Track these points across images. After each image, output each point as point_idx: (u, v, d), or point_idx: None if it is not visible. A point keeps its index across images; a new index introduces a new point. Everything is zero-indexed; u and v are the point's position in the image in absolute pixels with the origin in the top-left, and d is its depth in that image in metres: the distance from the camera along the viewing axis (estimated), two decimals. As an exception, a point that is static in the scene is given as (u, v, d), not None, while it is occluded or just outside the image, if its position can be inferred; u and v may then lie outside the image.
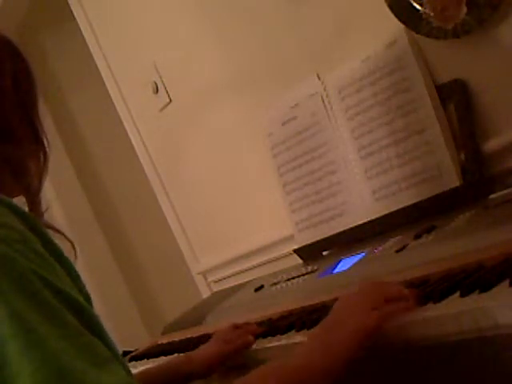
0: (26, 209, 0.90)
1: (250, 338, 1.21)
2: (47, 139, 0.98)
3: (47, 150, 0.97)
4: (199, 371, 1.26)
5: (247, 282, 1.74)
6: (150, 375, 1.31)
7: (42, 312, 0.70)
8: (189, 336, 1.57)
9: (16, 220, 0.76)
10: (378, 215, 1.44)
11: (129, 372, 0.80)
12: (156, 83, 2.20)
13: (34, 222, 0.79)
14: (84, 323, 0.74)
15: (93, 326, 0.76)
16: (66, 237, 0.92)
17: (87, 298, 0.83)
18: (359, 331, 0.88)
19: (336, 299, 1.16)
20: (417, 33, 1.36)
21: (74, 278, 0.81)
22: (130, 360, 1.66)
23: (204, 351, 1.28)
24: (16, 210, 0.78)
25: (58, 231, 0.90)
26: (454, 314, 0.78)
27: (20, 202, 0.91)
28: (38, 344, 0.68)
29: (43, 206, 0.94)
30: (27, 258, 0.72)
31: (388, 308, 0.90)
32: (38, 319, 0.69)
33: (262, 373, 0.86)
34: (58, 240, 0.86)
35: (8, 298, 0.69)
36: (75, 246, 0.95)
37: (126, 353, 1.75)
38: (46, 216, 0.95)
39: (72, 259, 0.83)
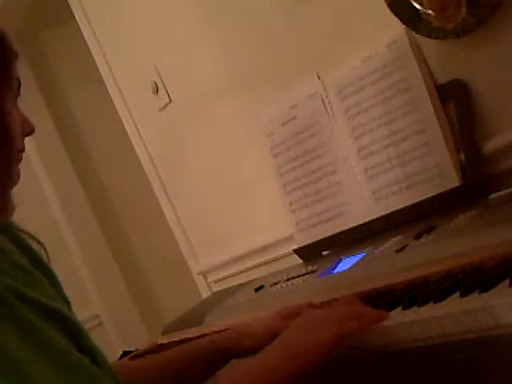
0: None
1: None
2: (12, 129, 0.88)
3: (14, 141, 0.88)
4: (249, 352, 1.13)
5: (247, 282, 1.74)
6: (187, 354, 1.19)
7: (20, 333, 0.67)
8: (189, 336, 1.57)
9: None
10: (378, 215, 1.44)
11: (115, 379, 0.78)
12: (156, 83, 2.20)
13: (15, 233, 0.76)
14: (68, 335, 0.72)
15: (77, 337, 0.74)
16: (38, 241, 0.86)
17: (68, 305, 0.80)
18: (314, 345, 0.89)
19: (335, 299, 1.16)
20: (417, 33, 1.36)
21: (57, 287, 0.78)
22: (130, 360, 1.66)
23: (259, 329, 1.14)
24: None
25: (26, 233, 0.85)
26: (454, 314, 0.78)
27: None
28: (17, 369, 0.66)
29: (14, 206, 0.88)
30: (3, 272, 0.69)
31: (350, 323, 0.91)
32: (16, 342, 0.67)
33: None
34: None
35: None
36: (47, 249, 0.88)
37: (126, 353, 1.75)
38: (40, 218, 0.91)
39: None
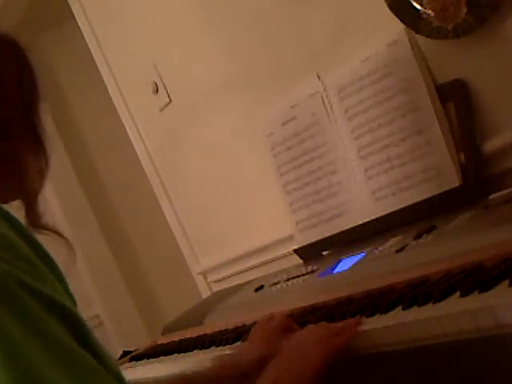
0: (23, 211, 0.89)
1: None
2: (48, 141, 0.96)
3: (48, 151, 0.96)
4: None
5: (247, 282, 1.74)
6: None
7: (24, 323, 0.68)
8: (189, 336, 1.57)
9: (5, 225, 0.75)
10: (378, 215, 1.44)
11: (118, 376, 0.79)
12: (156, 83, 2.20)
13: (23, 227, 0.78)
14: (71, 329, 0.73)
15: (80, 332, 0.75)
16: (63, 237, 0.91)
17: (73, 300, 0.81)
18: (307, 371, 0.92)
19: (336, 299, 1.17)
20: (417, 33, 1.36)
21: (61, 280, 0.80)
22: (130, 360, 1.66)
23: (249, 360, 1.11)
24: (5, 216, 0.77)
25: (55, 232, 0.90)
26: (454, 314, 0.78)
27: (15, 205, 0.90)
28: (19, 358, 0.67)
29: (42, 208, 0.93)
30: (12, 265, 0.71)
31: (333, 341, 0.94)
32: (20, 331, 0.68)
33: None
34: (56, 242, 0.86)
35: None
36: (74, 247, 0.94)
37: (126, 353, 1.75)
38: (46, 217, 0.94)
39: (71, 261, 0.84)
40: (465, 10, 1.26)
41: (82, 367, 0.70)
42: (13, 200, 0.91)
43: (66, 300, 0.76)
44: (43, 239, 0.84)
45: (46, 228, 0.90)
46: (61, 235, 0.91)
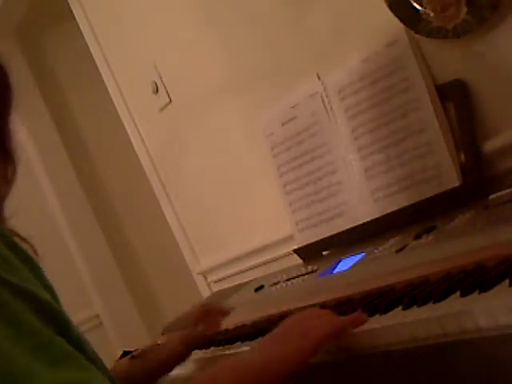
0: None
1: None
2: (16, 150, 0.97)
3: (15, 159, 0.96)
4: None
5: (247, 282, 1.74)
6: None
7: None
8: (189, 336, 1.57)
9: None
10: (377, 215, 1.44)
11: (103, 367, 0.81)
12: (156, 83, 2.20)
13: None
14: (47, 319, 0.74)
15: (57, 321, 0.76)
16: (28, 242, 0.93)
17: (55, 298, 0.83)
18: (298, 353, 0.91)
19: (336, 299, 1.16)
20: (417, 33, 1.36)
21: (40, 276, 0.81)
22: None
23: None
24: None
25: (21, 238, 0.92)
26: (454, 314, 0.78)
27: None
28: None
29: (7, 213, 0.94)
30: None
31: (336, 321, 0.95)
32: None
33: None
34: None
35: None
36: (37, 251, 0.94)
37: (125, 353, 1.75)
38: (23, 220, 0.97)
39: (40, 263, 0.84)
40: (465, 9, 1.26)
41: (53, 351, 0.72)
42: None
43: (40, 291, 0.77)
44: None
45: (13, 234, 0.91)
46: (23, 239, 0.92)
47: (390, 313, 0.93)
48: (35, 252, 0.91)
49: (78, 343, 0.76)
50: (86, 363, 0.73)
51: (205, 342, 1.33)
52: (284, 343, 0.93)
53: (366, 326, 0.92)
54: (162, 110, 2.23)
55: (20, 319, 0.72)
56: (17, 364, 0.69)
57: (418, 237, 1.19)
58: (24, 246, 0.85)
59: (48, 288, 0.81)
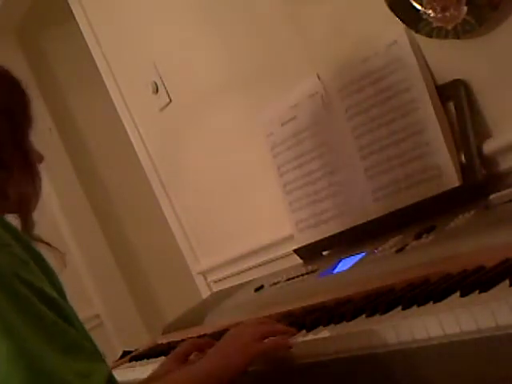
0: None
1: None
2: (38, 162, 1.10)
3: (39, 174, 1.09)
4: None
5: (247, 282, 1.74)
6: None
7: (17, 305, 0.81)
8: (189, 336, 1.57)
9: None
10: (377, 215, 1.44)
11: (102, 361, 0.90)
12: (156, 83, 2.20)
13: (12, 228, 0.91)
14: (58, 316, 0.85)
15: (66, 319, 0.87)
16: (52, 246, 1.06)
17: (63, 296, 0.93)
18: (225, 366, 1.00)
19: (336, 299, 1.17)
20: (417, 33, 1.36)
21: (51, 277, 0.92)
22: (130, 360, 1.66)
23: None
24: (1, 222, 0.90)
25: (46, 243, 1.04)
26: (454, 314, 0.78)
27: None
28: (11, 330, 0.80)
29: (34, 223, 1.07)
30: (5, 259, 0.84)
31: (262, 345, 1.03)
32: (13, 311, 0.81)
33: None
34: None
35: None
36: (63, 255, 1.09)
37: (126, 353, 1.75)
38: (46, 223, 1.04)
39: (57, 268, 0.97)
40: (465, 9, 1.26)
41: (66, 341, 0.83)
42: (10, 213, 1.04)
43: (51, 291, 0.88)
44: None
45: (38, 240, 1.04)
46: (50, 245, 1.05)
47: (390, 313, 0.93)
48: (63, 260, 1.06)
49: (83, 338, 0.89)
50: (93, 354, 0.86)
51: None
52: (223, 357, 1.03)
53: (365, 327, 0.92)
54: (162, 110, 2.23)
55: (38, 311, 0.82)
56: (35, 347, 0.80)
57: (418, 237, 1.19)
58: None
59: (59, 289, 0.92)
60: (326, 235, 1.56)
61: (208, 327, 1.54)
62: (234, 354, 1.02)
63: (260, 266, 1.97)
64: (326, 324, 1.04)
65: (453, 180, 1.31)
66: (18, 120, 1.07)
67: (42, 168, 1.12)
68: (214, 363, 1.02)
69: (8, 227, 0.90)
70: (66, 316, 0.88)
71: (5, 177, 1.02)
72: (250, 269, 2.02)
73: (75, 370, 0.80)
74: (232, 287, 1.84)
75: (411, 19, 1.35)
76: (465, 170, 1.31)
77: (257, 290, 1.56)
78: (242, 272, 2.05)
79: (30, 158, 1.08)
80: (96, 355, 0.88)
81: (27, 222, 1.06)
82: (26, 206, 1.07)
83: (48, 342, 0.80)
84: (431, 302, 0.85)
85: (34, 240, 1.03)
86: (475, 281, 0.83)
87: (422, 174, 1.36)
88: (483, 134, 1.32)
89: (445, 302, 0.83)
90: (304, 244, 1.62)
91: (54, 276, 0.93)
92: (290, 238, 1.71)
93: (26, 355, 0.79)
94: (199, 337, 1.50)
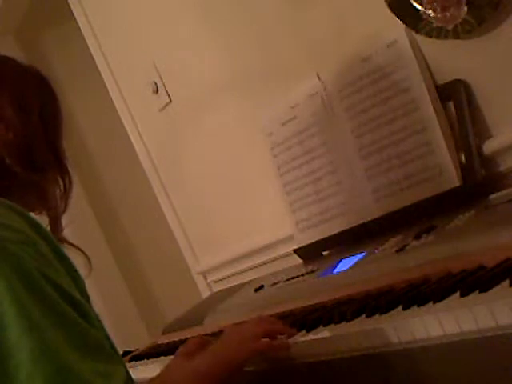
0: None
1: None
2: (70, 164, 1.13)
3: (71, 177, 1.13)
4: None
5: (247, 282, 1.74)
6: None
7: (43, 304, 0.82)
8: (189, 336, 1.57)
9: (26, 226, 0.88)
10: (377, 215, 1.44)
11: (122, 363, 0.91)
12: (156, 83, 2.20)
13: (41, 227, 0.91)
14: (80, 316, 0.86)
15: (88, 320, 0.89)
16: (80, 250, 1.10)
17: (86, 297, 0.95)
18: (224, 362, 1.00)
19: (336, 299, 1.17)
20: (417, 33, 1.36)
21: (75, 278, 0.93)
22: (130, 360, 1.66)
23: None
24: (27, 218, 0.90)
25: (73, 245, 1.08)
26: (454, 314, 0.78)
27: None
28: (36, 329, 0.80)
29: (62, 225, 1.12)
30: (33, 258, 0.84)
31: (261, 343, 1.03)
32: (38, 309, 0.81)
33: None
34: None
35: (16, 291, 0.81)
36: (90, 259, 1.11)
37: (126, 353, 1.75)
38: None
39: (86, 272, 1.00)
40: (465, 9, 1.26)
41: (88, 341, 0.84)
42: (40, 213, 1.08)
43: (73, 291, 0.89)
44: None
45: (65, 242, 1.08)
46: (78, 248, 1.09)
47: (390, 313, 0.93)
48: (89, 262, 1.09)
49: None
50: (113, 356, 0.87)
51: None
52: (222, 353, 1.03)
53: (366, 327, 0.92)
54: (161, 109, 2.23)
55: (62, 310, 0.83)
56: (58, 350, 0.80)
57: (417, 237, 1.19)
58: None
59: (82, 289, 0.93)
60: (326, 235, 1.56)
61: (208, 327, 1.54)
62: (233, 349, 1.02)
63: (260, 266, 1.97)
64: (325, 324, 1.03)
65: (453, 180, 1.31)
66: (51, 121, 1.09)
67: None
68: (213, 359, 1.02)
69: (36, 226, 0.90)
70: (89, 317, 0.89)
71: (39, 179, 1.04)
72: (250, 269, 2.02)
73: (96, 370, 0.81)
74: (232, 287, 1.84)
75: (411, 19, 1.35)
76: (465, 170, 1.31)
77: (257, 290, 1.56)
78: (242, 272, 2.05)
79: (63, 159, 1.11)
80: (116, 357, 0.89)
81: (56, 224, 1.09)
82: (56, 207, 1.11)
83: (70, 342, 0.81)
84: (431, 302, 0.85)
85: (62, 242, 1.06)
86: (475, 281, 0.83)
87: (422, 174, 1.36)
88: (483, 134, 1.32)
89: (445, 301, 0.83)
90: (304, 244, 1.62)
91: (79, 277, 0.94)
92: (290, 238, 1.71)
93: (50, 356, 0.79)
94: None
